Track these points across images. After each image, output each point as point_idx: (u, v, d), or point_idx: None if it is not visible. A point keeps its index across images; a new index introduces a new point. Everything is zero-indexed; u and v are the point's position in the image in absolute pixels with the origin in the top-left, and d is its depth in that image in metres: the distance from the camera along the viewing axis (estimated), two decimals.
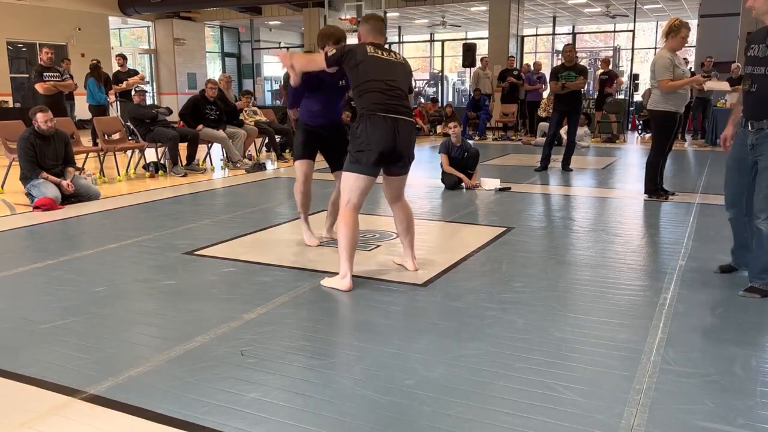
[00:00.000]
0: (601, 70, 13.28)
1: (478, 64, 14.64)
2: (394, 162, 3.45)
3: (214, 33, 22.99)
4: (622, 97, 15.23)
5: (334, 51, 3.46)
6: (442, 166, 6.87)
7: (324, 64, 3.46)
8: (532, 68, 14.29)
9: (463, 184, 6.81)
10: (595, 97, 13.42)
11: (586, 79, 8.45)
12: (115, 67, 11.44)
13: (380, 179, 3.59)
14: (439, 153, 6.91)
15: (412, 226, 3.72)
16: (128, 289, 3.46)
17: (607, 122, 13.08)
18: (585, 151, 10.81)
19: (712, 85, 9.47)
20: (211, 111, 8.60)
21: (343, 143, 4.19)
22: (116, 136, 8.34)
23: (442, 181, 6.89)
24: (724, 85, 9.10)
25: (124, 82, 10.90)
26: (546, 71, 13.75)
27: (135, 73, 11.33)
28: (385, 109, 3.33)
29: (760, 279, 3.27)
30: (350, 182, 3.42)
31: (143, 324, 2.94)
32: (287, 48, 23.24)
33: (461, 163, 6.84)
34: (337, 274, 3.45)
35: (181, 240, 4.54)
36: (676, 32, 5.62)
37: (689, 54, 17.05)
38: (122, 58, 11.53)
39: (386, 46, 3.61)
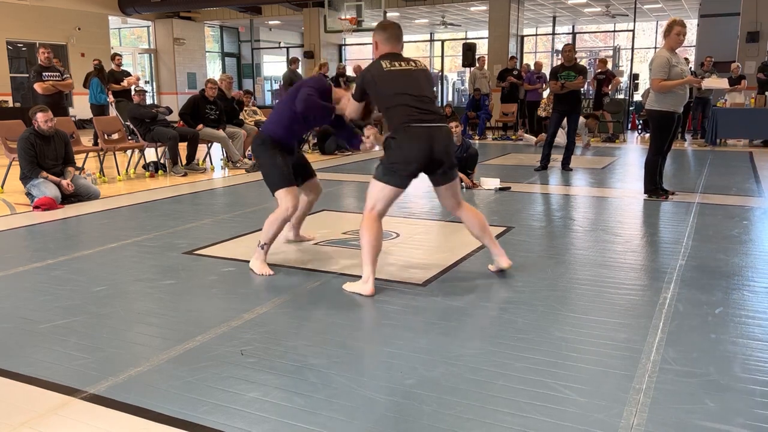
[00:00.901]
0: (598, 70, 13.29)
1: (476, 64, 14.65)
2: (434, 170, 3.37)
3: (214, 33, 22.99)
4: (621, 96, 15.24)
5: (354, 88, 3.48)
6: None
7: (354, 107, 3.54)
8: (532, 68, 14.29)
9: (463, 183, 6.81)
10: (593, 96, 13.42)
11: (586, 79, 8.46)
12: (112, 66, 11.40)
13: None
14: None
15: (486, 226, 3.60)
16: (128, 289, 3.46)
17: (604, 122, 13.10)
18: (586, 152, 10.80)
19: (710, 83, 9.48)
20: (211, 111, 8.61)
21: (301, 155, 4.14)
22: (116, 136, 8.34)
23: None
24: (723, 83, 9.10)
25: (125, 80, 10.90)
26: (546, 71, 13.74)
27: (128, 74, 11.34)
28: (418, 119, 3.26)
29: None
30: (377, 190, 3.34)
31: (143, 324, 2.94)
32: (287, 48, 23.24)
33: (461, 163, 6.84)
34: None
35: (181, 240, 4.54)
36: (669, 30, 5.68)
37: (689, 54, 17.06)
38: (120, 57, 11.55)
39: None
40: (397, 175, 3.29)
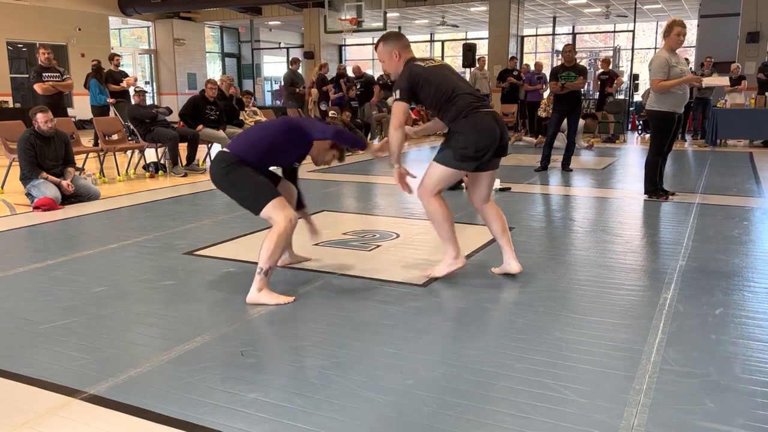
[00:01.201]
0: (600, 70, 13.28)
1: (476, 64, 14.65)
2: (499, 155, 3.43)
3: (214, 33, 22.99)
4: (622, 97, 15.25)
5: (399, 93, 3.33)
6: None
7: (403, 109, 3.36)
8: (532, 68, 14.29)
9: (463, 184, 6.80)
10: (596, 97, 13.41)
11: (586, 80, 8.46)
12: (111, 67, 11.39)
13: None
14: None
15: (506, 227, 3.63)
16: (128, 289, 3.46)
17: (606, 122, 13.10)
18: (580, 151, 10.79)
19: (711, 81, 9.47)
20: (211, 111, 8.61)
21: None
22: (116, 137, 8.34)
23: None
24: (724, 80, 9.10)
25: (124, 81, 10.90)
26: (546, 71, 13.75)
27: (126, 74, 11.33)
28: (481, 106, 3.31)
29: None
30: (445, 174, 3.39)
31: (143, 324, 2.94)
32: (287, 48, 23.24)
33: None
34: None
35: (181, 240, 4.54)
36: (668, 31, 5.69)
37: (689, 54, 17.06)
38: (118, 57, 11.55)
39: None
40: (468, 159, 3.32)
